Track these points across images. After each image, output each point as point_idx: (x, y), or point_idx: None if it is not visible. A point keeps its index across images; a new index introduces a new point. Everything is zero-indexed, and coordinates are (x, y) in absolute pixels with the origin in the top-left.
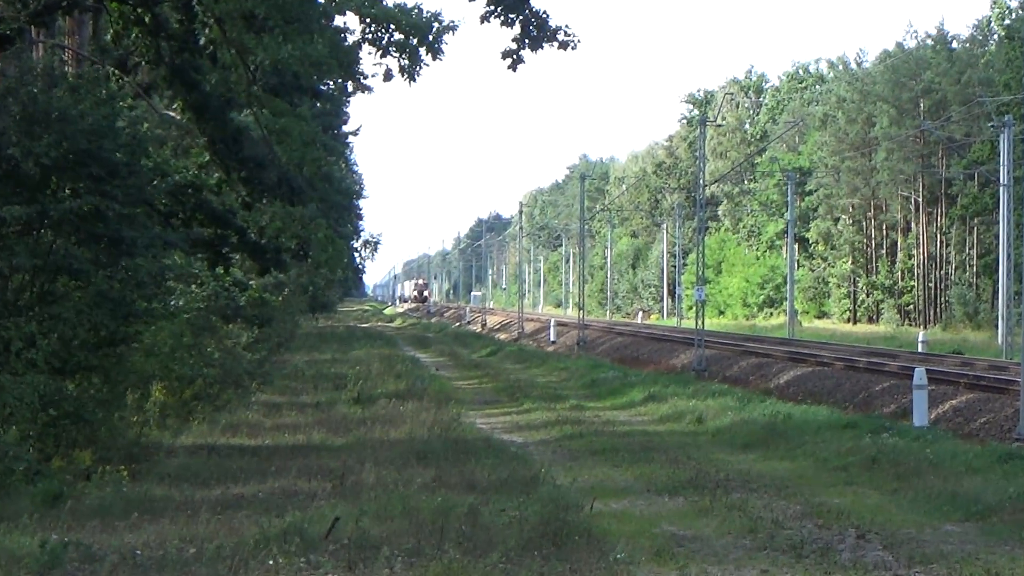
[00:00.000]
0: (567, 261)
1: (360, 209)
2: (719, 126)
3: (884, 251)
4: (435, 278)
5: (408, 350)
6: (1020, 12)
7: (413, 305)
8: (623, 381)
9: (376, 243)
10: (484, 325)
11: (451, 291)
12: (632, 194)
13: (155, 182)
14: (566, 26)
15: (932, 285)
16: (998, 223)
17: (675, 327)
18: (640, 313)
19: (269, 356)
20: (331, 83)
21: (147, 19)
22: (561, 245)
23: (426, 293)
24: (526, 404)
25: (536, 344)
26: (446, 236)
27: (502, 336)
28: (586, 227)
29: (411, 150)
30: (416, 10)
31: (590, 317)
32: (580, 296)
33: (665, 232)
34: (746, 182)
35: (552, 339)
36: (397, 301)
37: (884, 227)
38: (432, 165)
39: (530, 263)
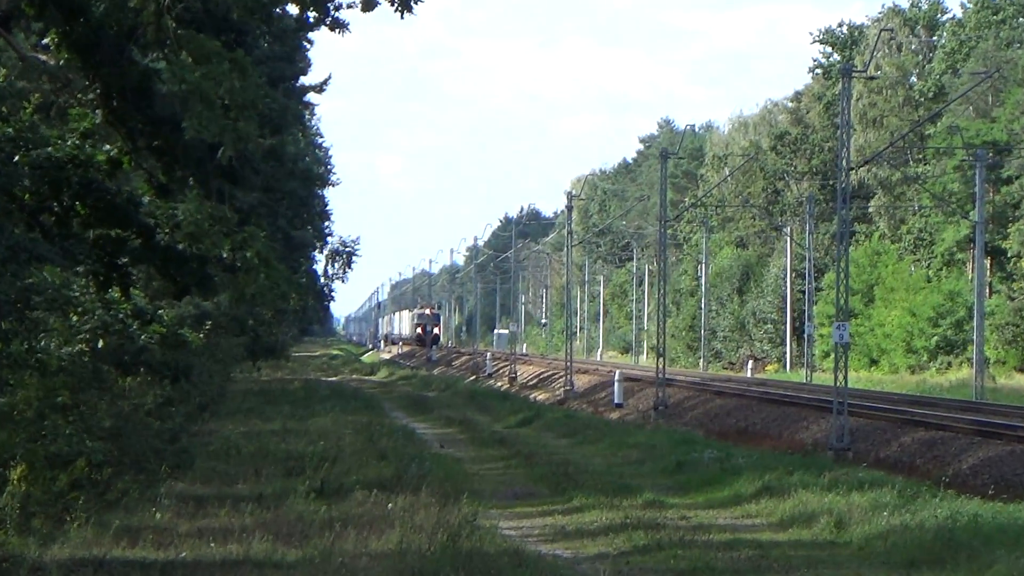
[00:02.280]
0: (640, 283)
1: (327, 203)
2: (871, 79)
3: None
4: (439, 307)
5: (399, 417)
6: None
7: (408, 348)
8: (724, 465)
9: (351, 254)
10: (514, 379)
11: (464, 327)
12: (739, 181)
13: (16, 159)
14: None
15: None
16: None
17: (803, 383)
18: (750, 362)
19: (187, 425)
20: (282, 9)
21: None
22: (631, 259)
23: (436, 330)
24: (577, 499)
25: (592, 408)
26: (456, 244)
27: (541, 396)
28: (669, 231)
29: (404, 118)
30: None
31: (675, 368)
32: (660, 337)
33: (789, 240)
34: (912, 164)
35: (617, 400)
36: (382, 342)
37: None
38: (435, 140)
39: (583, 285)
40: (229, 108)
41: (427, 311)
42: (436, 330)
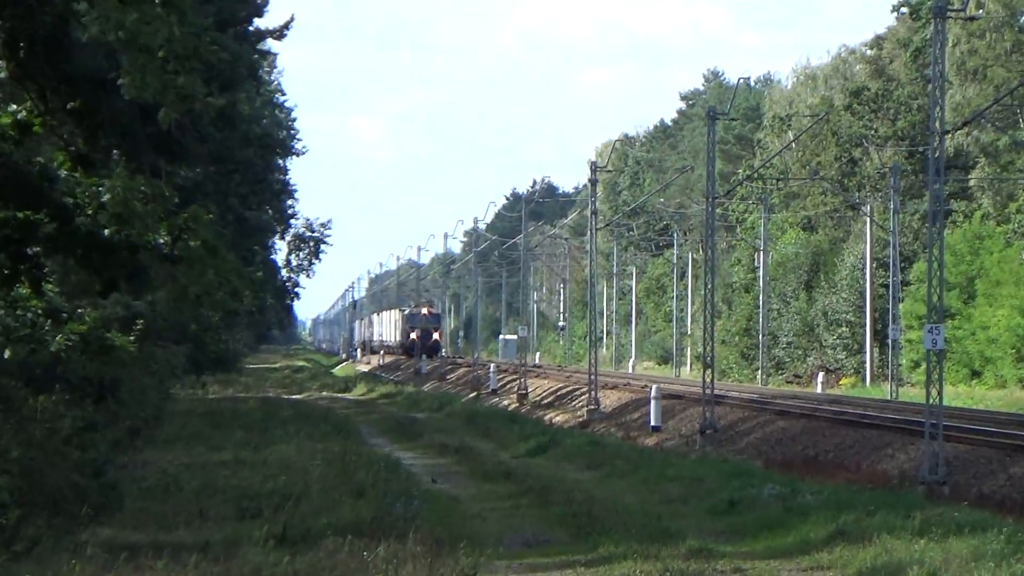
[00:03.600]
0: (682, 276)
1: (288, 177)
2: (971, 20)
3: None
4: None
5: (380, 444)
6: None
7: (391, 359)
8: (788, 504)
9: (320, 240)
10: (524, 396)
11: (461, 332)
12: (807, 148)
13: None
14: None
15: None
16: None
17: (887, 401)
18: (820, 375)
19: (115, 455)
20: None
21: None
22: (671, 245)
23: (435, 335)
24: (603, 547)
25: (623, 433)
26: (451, 227)
27: (558, 417)
28: (719, 211)
29: (385, 72)
30: None
31: (726, 382)
32: (707, 343)
33: (869, 221)
34: (1023, 125)
35: (654, 423)
36: (359, 351)
37: None
38: (424, 98)
39: (611, 279)
40: (166, 60)
41: (424, 311)
42: (435, 335)
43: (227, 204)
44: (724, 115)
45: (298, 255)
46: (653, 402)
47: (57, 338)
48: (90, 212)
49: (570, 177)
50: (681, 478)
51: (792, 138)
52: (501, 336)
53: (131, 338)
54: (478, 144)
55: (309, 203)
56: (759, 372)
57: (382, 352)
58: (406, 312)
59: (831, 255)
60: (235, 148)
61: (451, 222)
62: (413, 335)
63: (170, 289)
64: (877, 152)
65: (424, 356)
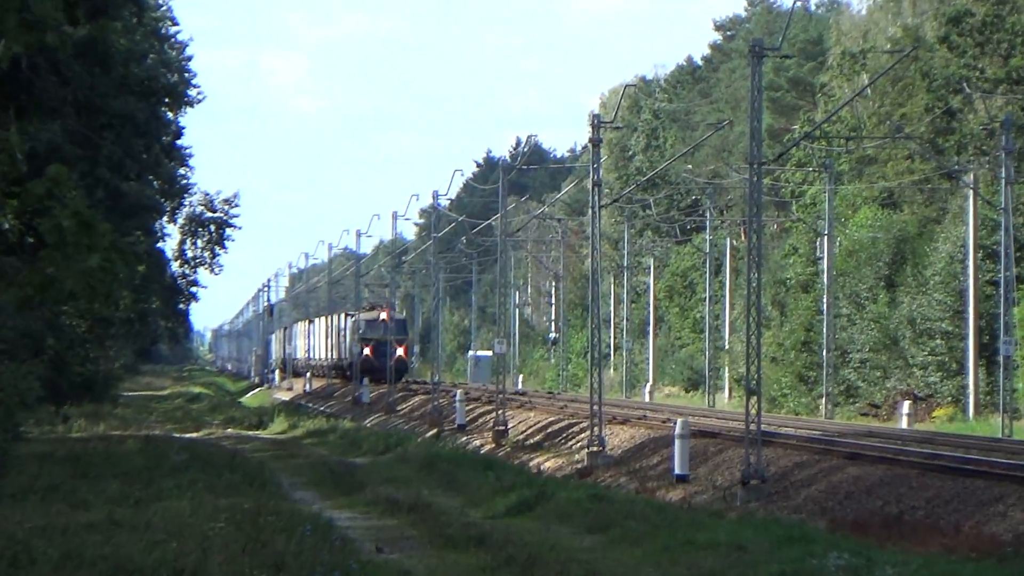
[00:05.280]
0: (717, 271)
1: (183, 136)
2: None
3: None
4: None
5: (306, 499)
6: None
7: (322, 383)
8: None
9: (224, 223)
10: (503, 435)
11: (416, 346)
12: (886, 96)
13: None
14: None
15: None
16: None
17: (996, 439)
18: (906, 404)
19: None
20: None
21: None
22: (702, 228)
23: (399, 350)
24: None
25: (637, 484)
26: (402, 205)
27: (548, 463)
28: (768, 181)
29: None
30: None
31: (778, 415)
32: (752, 361)
33: (973, 195)
34: None
35: (679, 471)
36: (276, 373)
37: None
38: (362, 26)
39: (620, 273)
40: None
41: (381, 316)
42: (400, 350)
43: (96, 173)
44: (774, 51)
45: (195, 243)
46: (678, 442)
47: None
48: None
49: (565, 136)
50: (716, 545)
51: (867, 82)
52: (471, 352)
53: None
54: (438, 91)
55: (209, 172)
56: (823, 401)
57: (309, 375)
58: (354, 318)
59: (920, 241)
60: (107, 95)
61: (402, 198)
62: (367, 349)
63: (30, 284)
64: (983, 101)
65: (367, 381)
